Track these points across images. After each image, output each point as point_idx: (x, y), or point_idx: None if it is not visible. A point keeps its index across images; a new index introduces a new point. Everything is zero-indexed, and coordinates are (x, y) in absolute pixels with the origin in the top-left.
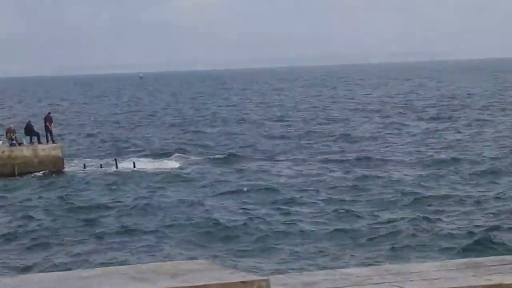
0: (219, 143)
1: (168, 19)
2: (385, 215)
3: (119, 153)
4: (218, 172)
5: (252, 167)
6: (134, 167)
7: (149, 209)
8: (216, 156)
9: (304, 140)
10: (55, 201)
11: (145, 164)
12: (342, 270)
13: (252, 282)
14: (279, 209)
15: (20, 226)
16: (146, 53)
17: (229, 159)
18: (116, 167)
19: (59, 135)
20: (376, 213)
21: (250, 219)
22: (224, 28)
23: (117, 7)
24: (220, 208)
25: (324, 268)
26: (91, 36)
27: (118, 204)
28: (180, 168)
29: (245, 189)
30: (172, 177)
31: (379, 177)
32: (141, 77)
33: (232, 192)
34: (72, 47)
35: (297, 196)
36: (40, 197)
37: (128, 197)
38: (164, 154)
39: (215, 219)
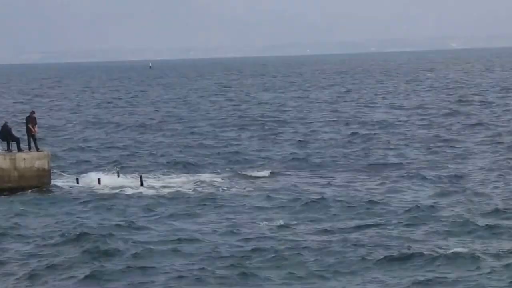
0: (251, 154)
1: None
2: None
3: (120, 166)
4: (252, 190)
5: (299, 183)
6: (142, 184)
7: (169, 242)
8: (252, 173)
9: (358, 148)
10: (37, 230)
11: (157, 181)
12: None
13: None
14: (332, 238)
15: None
16: (158, 37)
17: (266, 173)
18: (116, 176)
19: (41, 140)
20: (467, 244)
21: (305, 249)
22: (251, 10)
23: None
24: (257, 235)
25: None
26: (86, 16)
27: (127, 234)
28: (202, 186)
29: (291, 213)
30: (192, 198)
31: (457, 191)
32: (150, 67)
33: (272, 215)
34: (61, 27)
35: (352, 218)
36: (16, 225)
37: (137, 224)
38: (179, 168)
39: (253, 249)
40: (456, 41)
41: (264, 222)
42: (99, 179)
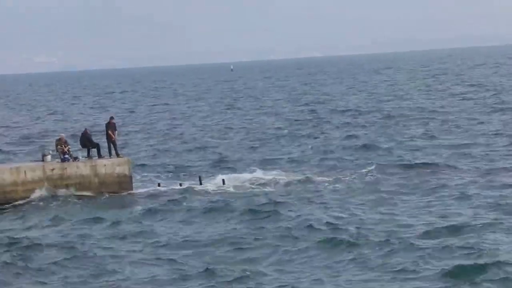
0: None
1: None
2: None
3: (193, 171)
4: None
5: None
6: (224, 183)
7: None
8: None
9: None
10: (128, 244)
11: (241, 182)
12: None
13: None
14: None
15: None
16: (234, 38)
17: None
18: (200, 183)
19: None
20: None
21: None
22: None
23: None
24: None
25: None
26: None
27: (231, 239)
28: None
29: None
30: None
31: None
32: (231, 70)
33: None
34: (137, 33)
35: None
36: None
37: (233, 227)
38: (268, 168)
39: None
40: None
41: None
42: (180, 184)
